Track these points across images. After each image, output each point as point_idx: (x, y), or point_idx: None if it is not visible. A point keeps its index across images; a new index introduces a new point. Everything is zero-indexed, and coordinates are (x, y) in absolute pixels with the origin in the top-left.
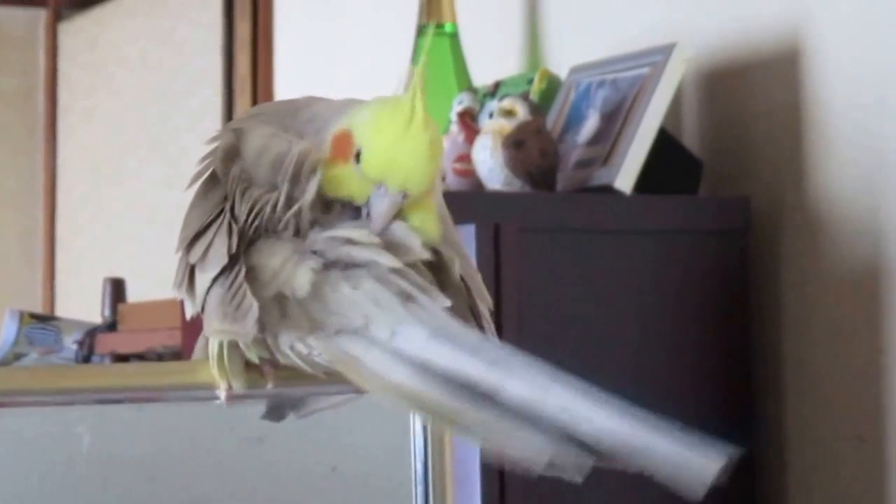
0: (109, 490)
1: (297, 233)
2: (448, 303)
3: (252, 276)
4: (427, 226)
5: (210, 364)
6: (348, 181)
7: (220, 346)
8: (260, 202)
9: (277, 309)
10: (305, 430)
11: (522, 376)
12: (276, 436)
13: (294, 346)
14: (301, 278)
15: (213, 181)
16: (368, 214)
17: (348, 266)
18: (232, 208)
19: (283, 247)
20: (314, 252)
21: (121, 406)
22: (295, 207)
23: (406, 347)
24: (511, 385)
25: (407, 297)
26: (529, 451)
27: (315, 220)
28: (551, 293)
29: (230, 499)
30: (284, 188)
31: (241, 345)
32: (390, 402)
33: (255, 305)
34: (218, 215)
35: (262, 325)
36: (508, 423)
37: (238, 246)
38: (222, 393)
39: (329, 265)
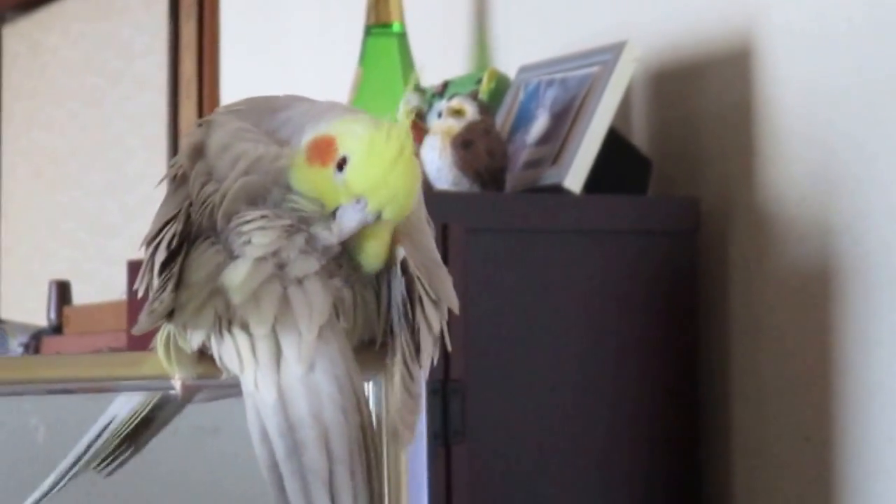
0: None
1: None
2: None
3: (182, 281)
4: (377, 257)
5: (159, 352)
6: (323, 185)
7: (168, 334)
8: (210, 199)
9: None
10: None
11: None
12: (232, 426)
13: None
14: (200, 326)
15: (183, 179)
16: (333, 220)
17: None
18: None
19: (204, 266)
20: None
21: (76, 396)
22: (207, 209)
23: (258, 405)
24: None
25: (279, 351)
26: None
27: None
28: (499, 294)
29: (186, 490)
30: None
31: (178, 336)
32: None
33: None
34: (178, 213)
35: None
36: None
37: (181, 245)
38: (178, 383)
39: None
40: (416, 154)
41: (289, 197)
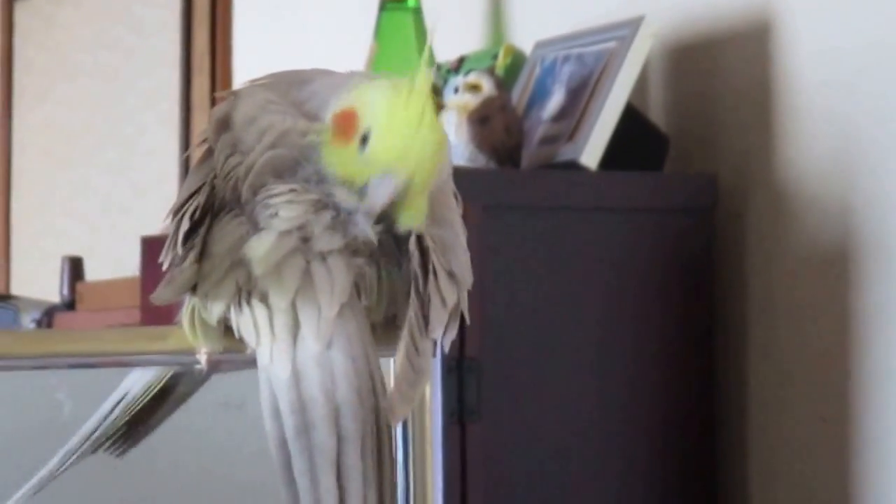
0: (91, 456)
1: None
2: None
3: (205, 253)
4: (416, 218)
5: (184, 326)
6: (350, 163)
7: (193, 308)
8: (234, 171)
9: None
10: None
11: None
12: (258, 401)
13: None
14: (220, 297)
15: (209, 151)
16: (364, 195)
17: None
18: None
19: (227, 237)
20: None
21: (102, 371)
22: (231, 182)
23: (272, 380)
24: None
25: (296, 324)
26: None
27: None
28: (515, 271)
29: (212, 465)
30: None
31: (202, 309)
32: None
33: (182, 281)
34: (203, 185)
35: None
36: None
37: (205, 216)
38: (203, 357)
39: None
40: (439, 107)
41: (321, 179)
